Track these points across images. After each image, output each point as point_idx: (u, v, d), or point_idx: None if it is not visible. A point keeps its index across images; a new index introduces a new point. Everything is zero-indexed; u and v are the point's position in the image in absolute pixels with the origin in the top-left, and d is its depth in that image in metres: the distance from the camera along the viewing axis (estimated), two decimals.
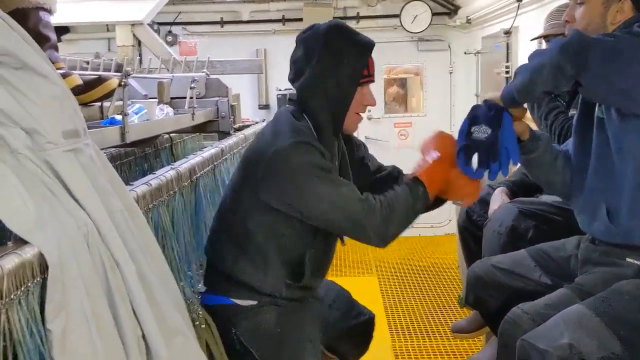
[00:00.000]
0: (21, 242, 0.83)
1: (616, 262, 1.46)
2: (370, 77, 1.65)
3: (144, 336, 1.00)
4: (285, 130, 1.58)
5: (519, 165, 1.78)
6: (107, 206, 1.00)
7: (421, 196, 1.56)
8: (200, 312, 1.52)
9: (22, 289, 0.78)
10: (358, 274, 4.73)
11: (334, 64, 1.59)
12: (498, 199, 2.16)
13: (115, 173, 1.09)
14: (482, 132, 1.56)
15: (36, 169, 0.91)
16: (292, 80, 1.66)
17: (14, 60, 0.92)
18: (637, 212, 1.43)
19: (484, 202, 2.22)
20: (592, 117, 1.57)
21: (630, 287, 1.39)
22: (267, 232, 1.60)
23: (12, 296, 0.76)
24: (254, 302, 1.62)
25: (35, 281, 0.81)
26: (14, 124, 0.91)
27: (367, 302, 3.93)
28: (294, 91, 1.66)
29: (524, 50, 3.82)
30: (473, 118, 1.59)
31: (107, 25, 5.32)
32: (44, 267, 0.83)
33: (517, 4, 3.69)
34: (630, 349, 1.27)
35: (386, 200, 1.53)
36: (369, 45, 1.64)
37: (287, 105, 1.72)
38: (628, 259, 1.43)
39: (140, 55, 3.92)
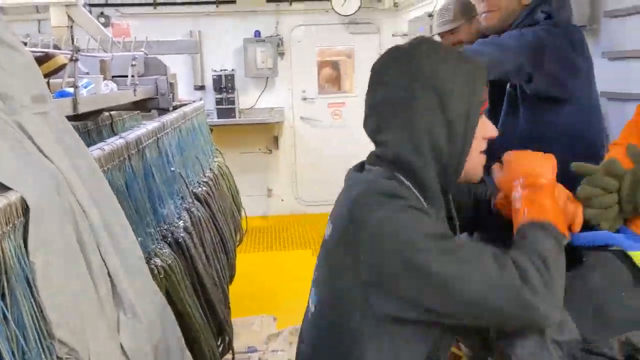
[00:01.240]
0: (4, 188, 0.97)
1: None
2: (487, 101, 1.21)
3: (109, 273, 1.16)
4: (373, 195, 1.14)
5: None
6: (72, 162, 1.15)
7: (559, 237, 1.12)
8: (159, 264, 1.68)
9: (10, 225, 0.93)
10: (297, 248, 4.94)
11: (439, 102, 1.14)
12: None
13: (77, 135, 1.23)
14: None
15: (10, 129, 1.05)
16: (374, 131, 1.23)
17: None
18: None
19: None
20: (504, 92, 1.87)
21: None
22: (385, 354, 1.11)
23: (3, 230, 0.91)
24: None
25: (19, 220, 0.96)
26: None
27: (305, 273, 4.17)
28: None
29: None
30: None
31: (36, 6, 5.25)
32: (25, 209, 0.97)
33: None
34: None
35: (530, 253, 1.08)
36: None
37: (369, 167, 1.24)
38: None
39: (72, 36, 3.94)
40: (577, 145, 1.71)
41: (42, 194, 1.01)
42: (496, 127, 1.26)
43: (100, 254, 1.15)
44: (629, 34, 2.04)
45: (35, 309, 0.96)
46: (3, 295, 0.90)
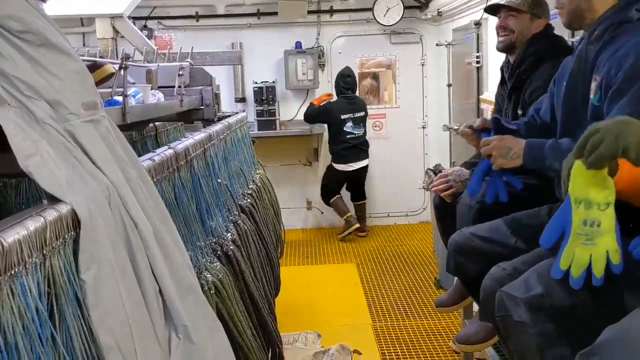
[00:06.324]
0: (54, 200, 0.91)
1: None
2: None
3: (160, 292, 1.09)
4: None
5: None
6: (124, 173, 1.08)
7: None
8: (210, 279, 1.61)
9: (60, 240, 0.86)
10: (338, 261, 4.84)
11: None
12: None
13: (127, 144, 1.17)
14: None
15: (60, 137, 0.99)
16: None
17: (36, 37, 1.00)
18: None
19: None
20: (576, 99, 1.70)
21: None
22: None
23: (54, 245, 0.84)
24: None
25: (70, 234, 0.89)
26: (38, 96, 0.98)
27: (348, 287, 4.07)
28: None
29: (493, 41, 3.97)
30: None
31: (81, 19, 5.33)
32: (76, 222, 0.91)
33: None
34: (595, 294, 1.39)
35: None
36: None
37: None
38: None
39: (116, 48, 3.96)
40: None
41: (94, 207, 0.95)
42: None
43: (152, 271, 1.08)
44: None
45: (86, 330, 0.89)
46: (51, 316, 0.83)
